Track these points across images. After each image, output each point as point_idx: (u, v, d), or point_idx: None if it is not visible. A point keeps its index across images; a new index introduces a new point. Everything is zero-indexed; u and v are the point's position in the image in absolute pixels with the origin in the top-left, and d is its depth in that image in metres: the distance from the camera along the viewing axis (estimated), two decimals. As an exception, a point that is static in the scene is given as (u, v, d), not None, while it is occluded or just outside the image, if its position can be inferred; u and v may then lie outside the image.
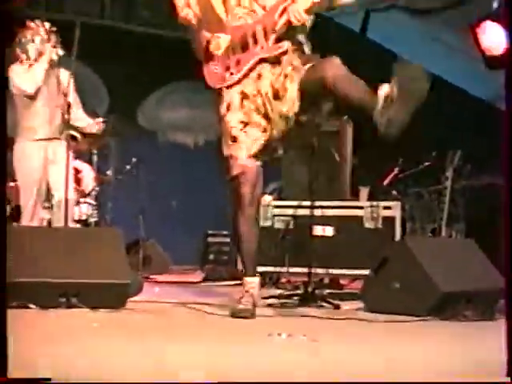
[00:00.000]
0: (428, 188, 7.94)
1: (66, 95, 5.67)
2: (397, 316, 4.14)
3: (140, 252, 7.99)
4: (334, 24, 9.83)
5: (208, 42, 4.32)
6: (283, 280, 6.65)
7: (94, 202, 7.58)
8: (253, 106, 4.22)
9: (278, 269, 6.20)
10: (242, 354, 2.85)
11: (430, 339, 3.54)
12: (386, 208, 6.06)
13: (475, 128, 9.01)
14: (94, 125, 6.06)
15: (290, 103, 4.19)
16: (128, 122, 9.92)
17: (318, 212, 5.61)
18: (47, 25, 5.78)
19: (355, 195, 6.66)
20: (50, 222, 6.00)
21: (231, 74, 4.26)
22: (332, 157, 6.43)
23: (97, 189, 7.66)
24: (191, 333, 3.50)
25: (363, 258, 5.63)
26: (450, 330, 3.88)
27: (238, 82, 4.25)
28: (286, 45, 4.22)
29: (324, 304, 4.81)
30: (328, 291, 5.62)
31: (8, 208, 7.50)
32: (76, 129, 6.06)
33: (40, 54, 5.73)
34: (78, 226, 6.87)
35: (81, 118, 6.04)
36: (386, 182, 8.06)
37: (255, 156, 4.23)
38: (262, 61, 4.24)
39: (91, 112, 6.42)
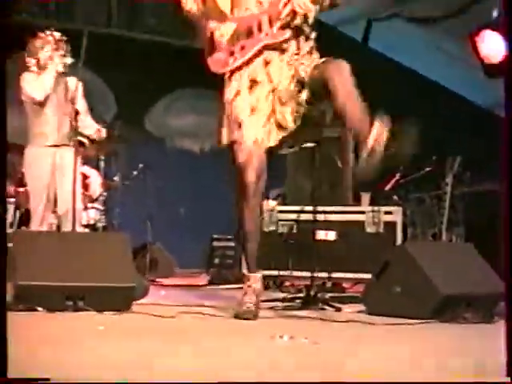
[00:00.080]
0: (429, 193, 7.92)
1: (73, 102, 5.70)
2: (398, 319, 4.13)
3: (147, 256, 8.00)
4: (337, 33, 9.85)
5: (213, 33, 4.28)
6: (287, 283, 6.63)
7: (101, 207, 7.58)
8: (262, 93, 4.18)
9: (281, 272, 6.19)
10: (244, 356, 2.84)
11: (430, 341, 3.52)
12: (387, 213, 6.04)
13: (474, 134, 9.00)
14: (99, 132, 6.07)
15: (297, 92, 4.16)
16: (135, 129, 9.96)
17: (320, 217, 5.60)
18: (57, 34, 5.82)
19: (357, 200, 6.65)
20: (58, 227, 5.99)
21: (235, 58, 4.22)
22: (334, 163, 6.43)
23: (104, 194, 7.66)
24: (195, 335, 3.49)
25: (365, 261, 5.62)
26: (450, 332, 3.87)
27: (242, 66, 4.20)
28: (289, 33, 4.18)
29: (326, 307, 4.80)
30: (330, 294, 5.60)
31: (18, 213, 7.53)
32: (84, 135, 6.07)
33: (49, 62, 5.76)
34: (87, 230, 6.88)
35: (89, 126, 6.04)
36: (387, 188, 8.04)
37: (261, 143, 4.16)
38: (267, 48, 4.20)
39: (99, 119, 6.42)
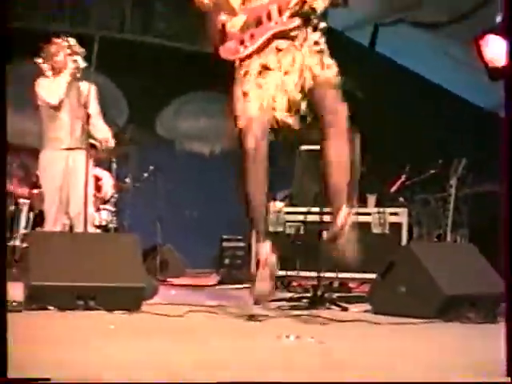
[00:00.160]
0: (434, 195, 7.90)
1: (86, 107, 5.72)
2: (402, 318, 4.11)
3: (157, 257, 8.00)
4: (344, 38, 9.83)
5: (223, 25, 4.24)
6: (294, 283, 6.62)
7: (113, 209, 7.59)
8: (271, 77, 4.11)
9: (289, 273, 6.18)
10: (251, 356, 2.83)
11: (434, 340, 3.51)
12: (392, 214, 6.03)
13: (479, 137, 8.97)
14: (106, 143, 6.09)
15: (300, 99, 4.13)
16: (146, 132, 9.97)
17: (327, 218, 5.58)
18: (71, 40, 5.86)
19: (363, 202, 6.64)
20: (71, 228, 6.01)
21: (245, 46, 4.17)
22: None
23: (116, 196, 7.67)
24: (203, 334, 3.48)
25: (371, 262, 5.59)
26: (454, 331, 3.85)
27: (252, 54, 4.15)
28: (298, 21, 4.13)
29: (333, 307, 4.79)
30: (337, 294, 5.59)
31: (32, 214, 7.56)
32: (96, 139, 6.08)
33: (63, 67, 5.82)
34: (98, 231, 6.89)
35: (101, 129, 6.06)
36: (393, 189, 8.03)
37: (265, 109, 4.08)
38: (277, 36, 4.15)
39: (111, 123, 6.44)
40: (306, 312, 4.41)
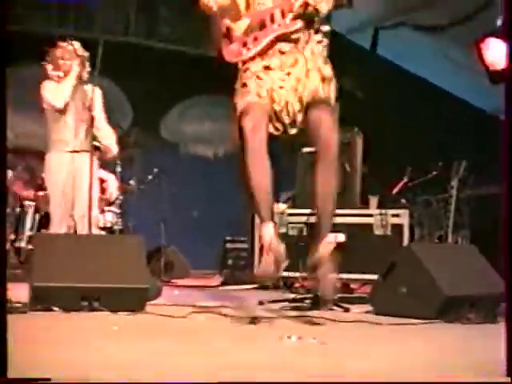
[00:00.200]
0: (436, 196, 7.90)
1: (90, 109, 5.74)
2: (403, 319, 4.10)
3: (162, 258, 8.01)
4: (346, 40, 9.83)
5: (228, 28, 4.22)
6: (297, 285, 6.61)
7: (118, 211, 7.60)
8: (272, 75, 4.08)
9: (291, 274, 6.16)
10: (253, 356, 2.82)
11: (434, 341, 3.50)
12: (394, 216, 6.02)
13: (479, 140, 8.97)
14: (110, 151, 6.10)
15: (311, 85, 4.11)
16: (151, 135, 9.98)
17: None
18: (76, 43, 5.88)
19: (365, 204, 6.64)
20: (76, 230, 6.02)
21: (248, 48, 4.14)
22: (343, 167, 6.41)
23: (121, 198, 7.67)
24: (206, 335, 3.48)
25: (373, 263, 5.59)
26: (454, 332, 3.85)
27: (255, 57, 4.12)
28: (301, 23, 4.10)
29: (335, 307, 4.78)
30: (339, 295, 5.57)
31: (37, 216, 7.58)
32: (100, 141, 6.10)
33: (68, 70, 5.83)
34: (103, 233, 6.89)
35: (105, 132, 6.07)
36: (395, 191, 8.03)
37: (266, 95, 4.04)
38: (280, 38, 4.12)
39: (116, 126, 6.45)
40: (308, 313, 4.40)
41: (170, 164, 8.96)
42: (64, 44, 5.89)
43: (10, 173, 7.70)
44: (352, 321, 4.05)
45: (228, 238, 8.78)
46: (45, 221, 6.94)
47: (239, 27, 4.20)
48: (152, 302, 4.43)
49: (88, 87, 5.86)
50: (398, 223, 6.00)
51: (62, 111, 5.82)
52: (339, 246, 5.95)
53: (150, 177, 8.22)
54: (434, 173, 7.88)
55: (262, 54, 4.15)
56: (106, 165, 7.31)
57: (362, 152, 6.57)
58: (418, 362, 2.78)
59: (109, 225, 7.45)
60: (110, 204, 7.54)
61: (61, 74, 5.85)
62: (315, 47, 4.18)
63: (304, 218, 6.26)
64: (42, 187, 7.20)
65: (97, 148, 5.94)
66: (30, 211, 7.60)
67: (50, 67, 5.89)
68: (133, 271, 4.27)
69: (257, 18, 4.19)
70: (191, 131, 11.22)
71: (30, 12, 9.52)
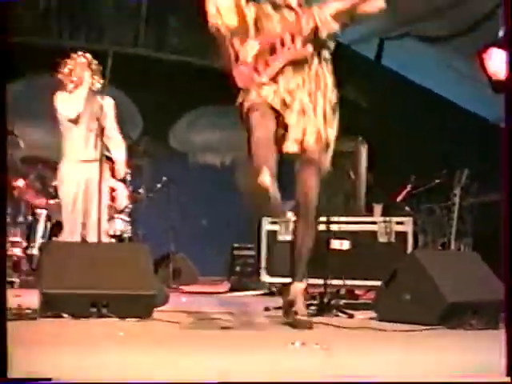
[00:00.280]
0: (439, 204, 7.88)
1: (101, 120, 5.76)
2: (407, 325, 4.08)
3: (170, 265, 8.02)
4: (351, 51, 9.82)
5: (237, 51, 4.18)
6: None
7: (127, 219, 7.61)
8: (282, 97, 4.08)
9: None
10: (258, 362, 2.80)
11: (437, 347, 3.48)
12: (398, 223, 6.02)
13: (483, 149, 8.94)
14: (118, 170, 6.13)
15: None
16: (160, 145, 9.99)
17: (334, 227, 5.58)
18: (88, 55, 5.91)
19: (370, 211, 6.63)
20: (86, 238, 6.03)
21: (260, 73, 4.10)
22: (348, 175, 6.41)
23: (130, 206, 7.68)
24: (210, 341, 3.46)
25: (377, 270, 5.58)
26: (457, 338, 3.82)
27: (267, 83, 4.09)
28: (311, 48, 4.10)
29: (339, 314, 4.77)
30: (344, 301, 5.56)
31: (49, 224, 7.59)
32: (111, 151, 6.11)
33: (81, 81, 5.85)
34: (113, 240, 6.90)
35: (116, 142, 6.08)
36: (399, 199, 8.01)
37: (271, 99, 4.04)
38: (290, 63, 4.11)
39: (126, 136, 6.46)
40: (313, 319, 4.38)
41: (178, 173, 8.95)
42: (76, 56, 5.93)
43: (22, 181, 7.73)
44: (356, 327, 4.03)
45: (236, 246, 8.80)
46: (56, 229, 6.96)
47: (248, 51, 4.16)
48: (159, 309, 4.42)
49: (100, 98, 5.88)
50: (402, 230, 5.99)
51: (75, 122, 5.84)
52: (344, 253, 5.98)
53: (158, 185, 8.23)
54: (438, 181, 7.86)
55: (274, 78, 4.14)
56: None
57: (367, 161, 6.57)
58: (421, 367, 2.76)
59: (118, 233, 7.45)
60: (120, 212, 7.55)
61: (73, 85, 5.87)
62: (322, 61, 4.19)
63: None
64: (53, 196, 7.21)
65: (108, 158, 5.95)
66: (42, 219, 7.61)
67: (62, 78, 5.91)
68: (140, 278, 4.27)
69: (266, 42, 4.16)
70: (200, 141, 11.22)
71: (42, 24, 9.55)
